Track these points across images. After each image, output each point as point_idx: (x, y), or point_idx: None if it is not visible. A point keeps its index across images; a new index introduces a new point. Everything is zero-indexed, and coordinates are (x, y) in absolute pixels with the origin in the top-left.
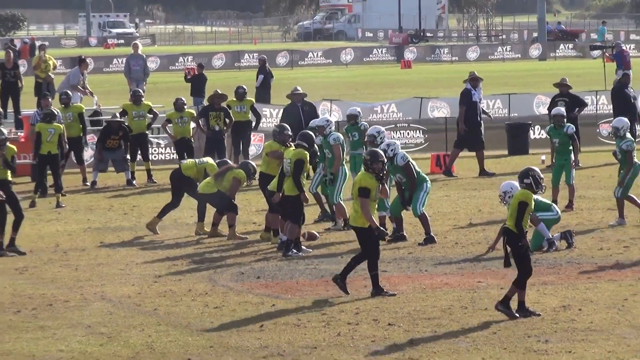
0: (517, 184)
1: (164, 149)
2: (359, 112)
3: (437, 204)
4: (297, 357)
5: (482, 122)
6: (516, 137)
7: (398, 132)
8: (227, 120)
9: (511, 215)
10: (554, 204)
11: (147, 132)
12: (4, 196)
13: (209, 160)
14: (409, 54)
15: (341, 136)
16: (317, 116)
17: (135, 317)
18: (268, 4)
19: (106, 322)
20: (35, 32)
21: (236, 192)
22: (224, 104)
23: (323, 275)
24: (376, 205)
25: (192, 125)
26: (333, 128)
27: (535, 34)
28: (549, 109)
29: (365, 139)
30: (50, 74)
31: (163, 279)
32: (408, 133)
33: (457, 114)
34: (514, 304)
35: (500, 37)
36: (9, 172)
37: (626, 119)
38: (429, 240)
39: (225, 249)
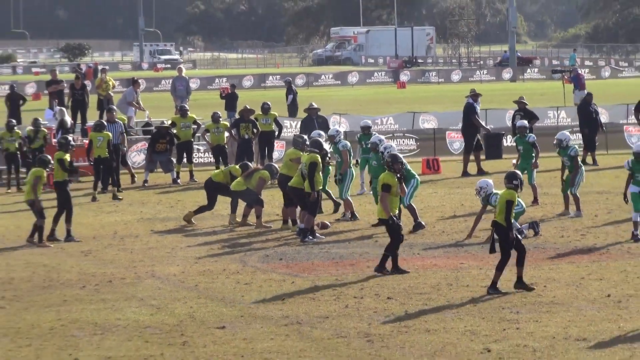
0: (491, 181)
1: (203, 153)
2: (371, 124)
3: (427, 199)
4: (313, 325)
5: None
6: (492, 144)
7: (395, 140)
8: (255, 130)
9: (500, 211)
10: (519, 199)
11: (192, 139)
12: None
13: (232, 165)
14: (404, 76)
15: (348, 143)
16: (328, 127)
17: (180, 291)
18: (288, 35)
19: (155, 295)
20: (97, 58)
21: (262, 189)
22: (252, 117)
23: (334, 258)
24: (398, 200)
25: (226, 134)
26: (342, 137)
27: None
28: (512, 122)
29: (369, 146)
30: (110, 92)
31: (202, 260)
32: (403, 141)
33: (444, 125)
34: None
35: (478, 63)
36: (65, 174)
37: (567, 133)
38: (418, 226)
39: (253, 235)
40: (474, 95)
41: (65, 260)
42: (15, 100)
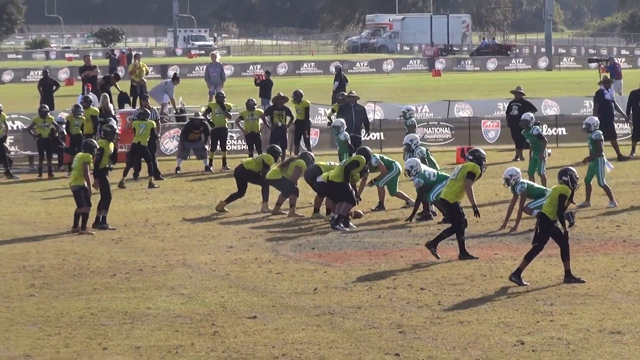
0: (519, 170)
1: (236, 141)
2: (409, 109)
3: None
4: (345, 315)
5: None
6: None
7: (430, 128)
8: (289, 118)
9: (550, 204)
10: (547, 189)
11: (226, 126)
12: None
13: (263, 153)
14: (439, 64)
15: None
16: (365, 115)
17: (211, 280)
18: (323, 22)
19: (186, 284)
20: (131, 44)
21: (298, 178)
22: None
23: (367, 247)
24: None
25: (260, 122)
26: (344, 129)
27: (543, 49)
28: (507, 112)
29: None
30: (143, 78)
31: (234, 249)
32: (438, 130)
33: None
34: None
35: (514, 51)
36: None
37: (596, 118)
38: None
39: (286, 224)
40: (606, 82)
41: (96, 248)
42: (48, 86)
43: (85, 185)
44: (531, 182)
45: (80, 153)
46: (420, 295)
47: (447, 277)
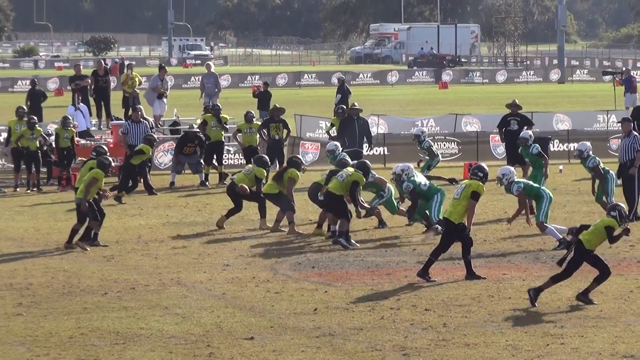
0: (512, 169)
1: (234, 154)
2: (422, 132)
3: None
4: (346, 337)
5: None
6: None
7: (436, 143)
8: (286, 131)
9: (593, 234)
10: (543, 188)
11: (223, 139)
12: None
13: (253, 167)
14: (446, 76)
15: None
16: (368, 128)
17: (206, 300)
18: (325, 31)
19: (181, 304)
20: (124, 53)
21: (292, 189)
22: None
23: (369, 267)
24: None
25: (258, 135)
26: (340, 151)
27: (555, 61)
28: (499, 126)
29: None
30: (136, 89)
31: (231, 267)
32: (444, 144)
33: (488, 128)
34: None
35: (524, 63)
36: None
37: (588, 143)
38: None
39: (285, 242)
40: None
41: (87, 266)
42: (37, 97)
43: (85, 200)
44: (526, 181)
45: (96, 169)
46: (425, 317)
47: (453, 297)
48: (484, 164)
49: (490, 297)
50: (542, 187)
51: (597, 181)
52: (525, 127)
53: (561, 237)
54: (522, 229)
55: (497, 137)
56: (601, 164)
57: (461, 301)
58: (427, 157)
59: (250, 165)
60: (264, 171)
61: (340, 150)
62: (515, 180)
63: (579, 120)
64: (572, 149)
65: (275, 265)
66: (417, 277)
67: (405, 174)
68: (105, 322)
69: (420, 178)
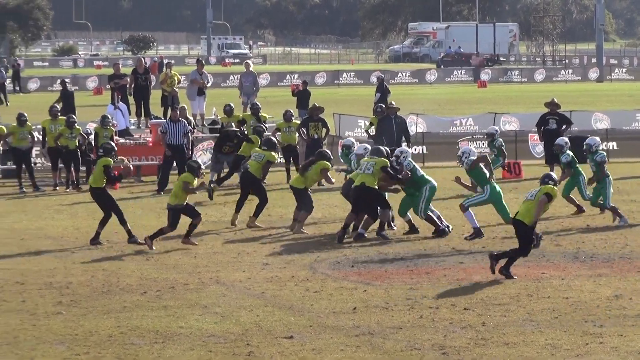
0: (473, 148)
1: None
2: (496, 130)
3: (508, 205)
4: (385, 336)
5: None
6: (577, 148)
7: (474, 142)
8: (325, 130)
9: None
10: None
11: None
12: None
13: (265, 152)
14: (485, 75)
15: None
16: (406, 127)
17: (246, 299)
18: (364, 30)
19: (220, 303)
20: (162, 52)
21: (327, 175)
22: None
23: (408, 266)
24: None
25: (297, 134)
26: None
27: (594, 60)
28: (538, 125)
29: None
30: (175, 88)
31: (270, 266)
32: (483, 143)
33: (526, 127)
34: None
35: (563, 62)
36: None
37: (597, 138)
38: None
39: (323, 241)
40: None
41: (126, 264)
42: (69, 97)
43: (180, 204)
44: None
45: (184, 174)
46: (464, 316)
47: (491, 296)
48: (552, 173)
49: (529, 296)
50: (490, 181)
51: (590, 181)
52: (564, 126)
53: (478, 226)
54: (561, 227)
55: (536, 136)
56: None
57: (500, 300)
58: (494, 156)
59: (259, 150)
60: (275, 155)
61: (355, 147)
62: (473, 159)
63: (618, 119)
64: (611, 148)
65: (314, 264)
66: (499, 274)
67: (404, 156)
68: (144, 320)
69: (419, 170)
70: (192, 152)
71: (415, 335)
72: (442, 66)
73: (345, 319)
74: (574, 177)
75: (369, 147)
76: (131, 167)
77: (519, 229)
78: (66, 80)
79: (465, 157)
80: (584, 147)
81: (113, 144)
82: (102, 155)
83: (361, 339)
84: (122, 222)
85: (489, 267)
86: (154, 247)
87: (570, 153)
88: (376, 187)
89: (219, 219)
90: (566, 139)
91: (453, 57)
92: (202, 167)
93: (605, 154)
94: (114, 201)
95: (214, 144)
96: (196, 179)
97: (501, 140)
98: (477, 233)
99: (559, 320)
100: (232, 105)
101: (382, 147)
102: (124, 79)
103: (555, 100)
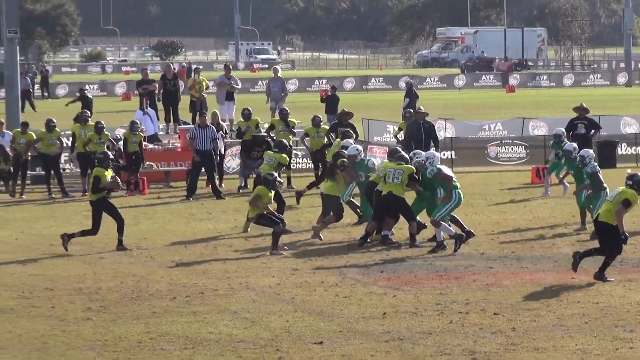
0: (437, 155)
1: (301, 159)
2: (563, 131)
3: (537, 210)
4: (415, 341)
5: None
6: (605, 152)
7: (503, 147)
8: (354, 135)
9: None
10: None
11: (291, 143)
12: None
13: (276, 155)
14: (513, 80)
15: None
16: (434, 132)
17: (275, 304)
18: (392, 35)
19: (250, 308)
20: (191, 57)
21: (354, 177)
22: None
23: (437, 271)
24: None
25: (326, 139)
26: (363, 156)
27: (622, 64)
28: (567, 130)
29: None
30: (203, 93)
31: (299, 271)
32: (512, 148)
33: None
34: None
35: (592, 67)
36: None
37: (591, 150)
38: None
39: (352, 247)
40: None
41: (155, 270)
42: (89, 103)
43: (260, 213)
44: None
45: (259, 187)
46: (494, 321)
47: (521, 301)
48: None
49: (559, 301)
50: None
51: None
52: (592, 131)
53: (454, 232)
54: (590, 232)
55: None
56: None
57: (530, 305)
58: (557, 157)
59: (271, 153)
60: (286, 157)
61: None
62: (437, 167)
63: None
64: None
65: (343, 270)
66: (594, 279)
67: (430, 161)
68: (174, 326)
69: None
70: (222, 158)
71: (445, 340)
72: (465, 71)
73: (375, 324)
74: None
75: (360, 148)
76: (119, 181)
77: (602, 229)
78: (85, 87)
79: (430, 163)
80: (577, 158)
81: (109, 152)
82: (96, 165)
83: (391, 344)
84: (120, 231)
85: (572, 265)
86: (283, 251)
87: (595, 164)
88: (404, 197)
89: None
90: (575, 145)
91: (474, 62)
92: (279, 179)
93: (596, 164)
94: (116, 210)
95: (241, 149)
96: (272, 192)
97: (568, 142)
98: (457, 238)
99: (589, 325)
100: (250, 109)
101: (403, 152)
102: (153, 85)
103: (584, 105)
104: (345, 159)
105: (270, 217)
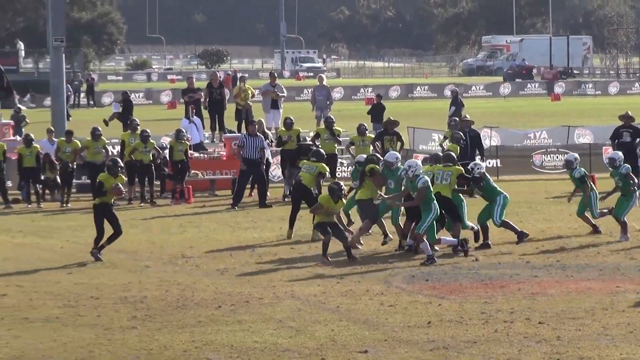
0: (419, 162)
1: (346, 167)
2: (619, 156)
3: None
4: (460, 350)
5: None
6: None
7: (548, 155)
8: (400, 144)
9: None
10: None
11: (336, 152)
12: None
13: (317, 164)
14: (558, 88)
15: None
16: (480, 141)
17: (320, 313)
18: (438, 43)
19: (295, 317)
20: (236, 65)
21: (384, 182)
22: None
23: (482, 279)
24: None
25: (371, 147)
26: (400, 165)
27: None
28: (612, 138)
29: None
30: (249, 102)
31: (345, 280)
32: (557, 157)
33: (600, 140)
34: None
35: (637, 75)
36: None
37: (620, 153)
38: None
39: (398, 255)
40: None
41: (201, 279)
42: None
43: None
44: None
45: (323, 195)
46: (539, 330)
47: (566, 310)
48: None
49: (604, 310)
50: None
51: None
52: (638, 139)
53: (431, 253)
54: (636, 241)
55: (610, 149)
56: (588, 178)
57: (575, 314)
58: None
59: (309, 162)
60: (326, 166)
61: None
62: (421, 175)
63: None
64: None
65: (388, 278)
66: None
67: (412, 170)
68: (219, 335)
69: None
70: (268, 166)
71: (490, 349)
72: (506, 80)
73: (420, 333)
74: (585, 194)
75: (399, 155)
76: (122, 188)
77: None
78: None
79: (412, 172)
80: (607, 161)
81: (118, 160)
82: (103, 171)
83: (435, 353)
84: (111, 240)
85: None
86: (357, 255)
87: (582, 169)
88: (452, 198)
89: (293, 232)
90: (576, 155)
91: (514, 70)
92: (344, 188)
93: (582, 169)
94: (117, 220)
95: (280, 158)
96: (339, 200)
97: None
98: (430, 259)
99: (634, 334)
100: (292, 118)
101: (416, 161)
102: (198, 93)
103: (630, 113)
104: (375, 165)
105: (325, 225)
